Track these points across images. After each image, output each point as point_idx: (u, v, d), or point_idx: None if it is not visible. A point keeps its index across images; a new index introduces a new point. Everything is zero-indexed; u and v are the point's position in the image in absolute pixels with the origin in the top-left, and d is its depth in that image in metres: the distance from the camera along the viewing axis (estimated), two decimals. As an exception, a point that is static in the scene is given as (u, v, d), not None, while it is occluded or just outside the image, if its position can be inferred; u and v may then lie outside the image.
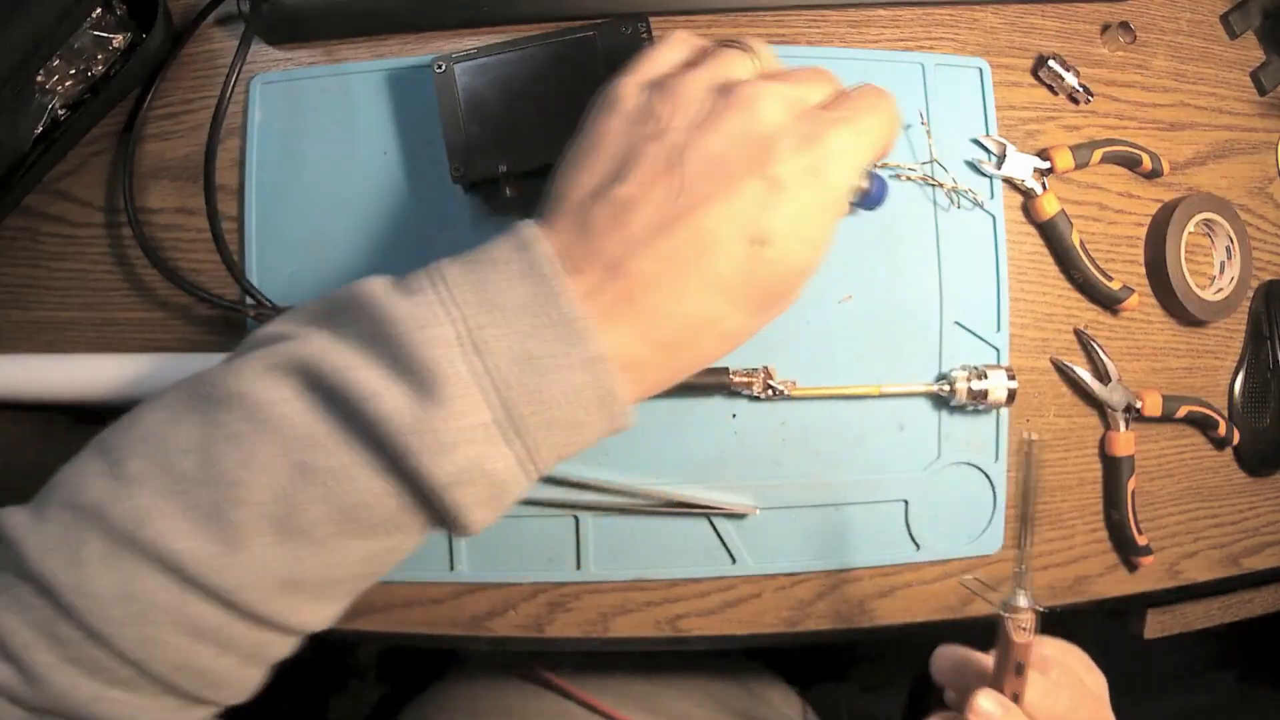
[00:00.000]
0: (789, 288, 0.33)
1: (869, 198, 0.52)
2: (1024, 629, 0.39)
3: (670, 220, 0.29)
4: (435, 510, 0.29)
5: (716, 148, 0.30)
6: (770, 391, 0.52)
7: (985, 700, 0.38)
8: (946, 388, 0.53)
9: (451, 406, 0.27)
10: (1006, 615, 0.39)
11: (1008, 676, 0.39)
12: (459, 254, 0.31)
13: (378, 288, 0.29)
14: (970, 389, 0.53)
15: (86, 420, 0.54)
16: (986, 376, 0.53)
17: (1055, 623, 0.59)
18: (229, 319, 0.54)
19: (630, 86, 0.33)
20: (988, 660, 0.41)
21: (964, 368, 0.54)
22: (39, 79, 0.51)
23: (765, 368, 0.52)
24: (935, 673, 0.42)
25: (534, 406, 0.28)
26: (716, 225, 0.29)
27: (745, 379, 0.52)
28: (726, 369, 0.52)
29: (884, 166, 0.53)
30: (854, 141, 0.32)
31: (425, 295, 0.28)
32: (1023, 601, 0.39)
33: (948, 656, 0.42)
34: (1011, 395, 0.53)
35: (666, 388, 0.32)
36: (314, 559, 0.28)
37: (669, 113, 0.31)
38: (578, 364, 0.28)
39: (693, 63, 0.34)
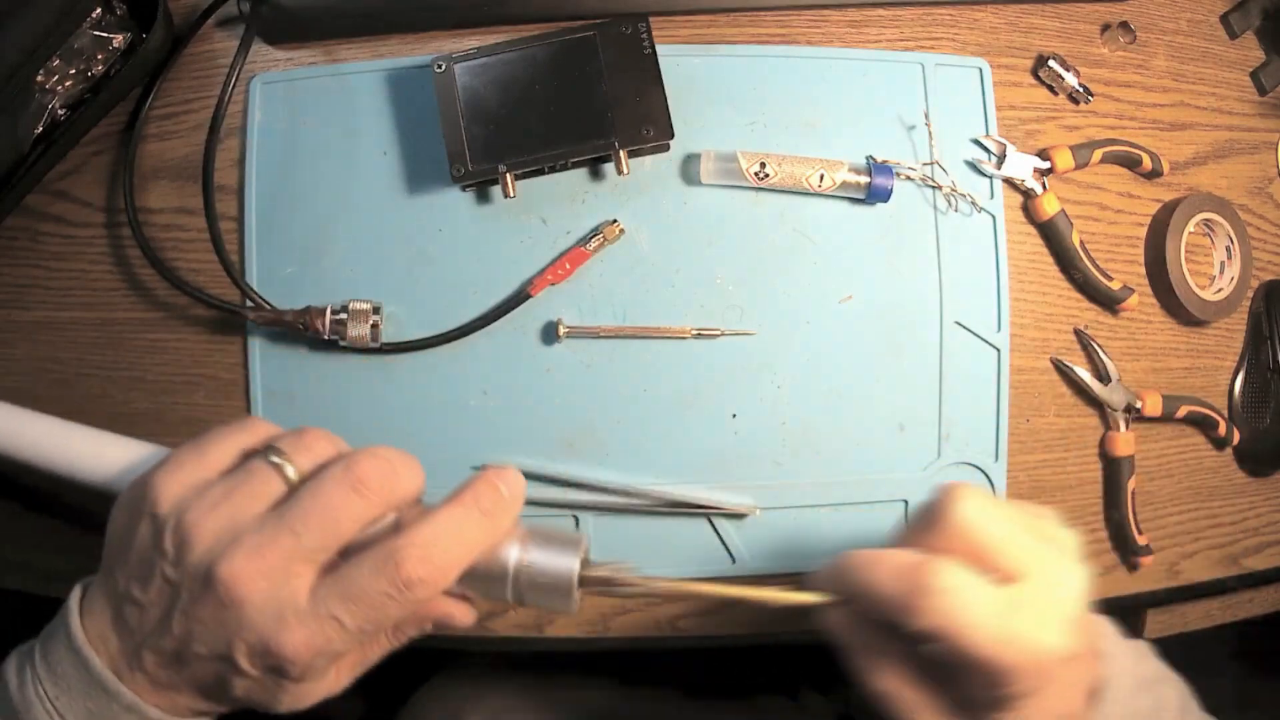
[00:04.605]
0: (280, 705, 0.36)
1: (877, 191, 0.53)
2: None
3: (168, 648, 0.34)
4: None
5: (190, 625, 0.33)
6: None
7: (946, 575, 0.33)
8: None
9: None
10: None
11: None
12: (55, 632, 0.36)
13: (11, 674, 0.35)
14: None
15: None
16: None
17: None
18: (229, 320, 0.54)
19: (163, 492, 0.35)
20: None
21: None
22: (39, 79, 0.51)
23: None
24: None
25: None
26: (197, 671, 0.34)
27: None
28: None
29: (885, 163, 0.53)
30: (325, 639, 0.33)
31: (26, 682, 0.35)
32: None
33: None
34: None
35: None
36: None
37: (171, 560, 0.34)
38: (120, 708, 0.34)
39: (225, 479, 0.35)
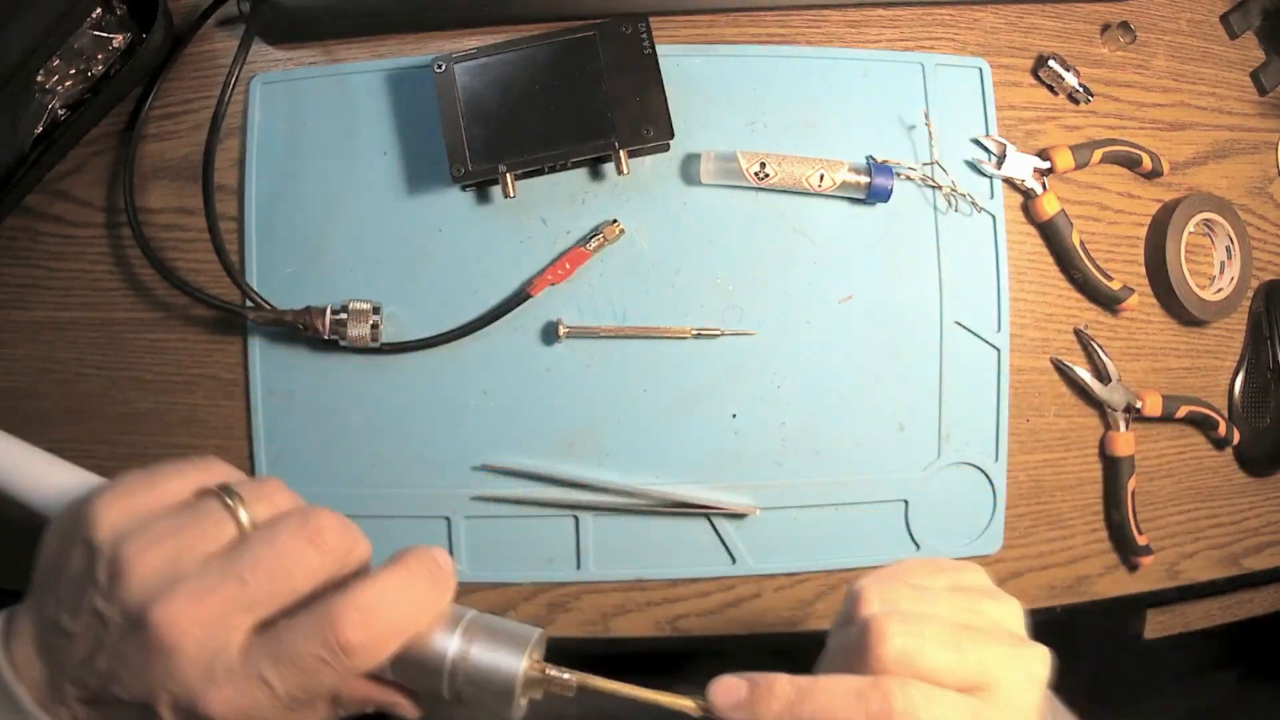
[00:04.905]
0: None
1: (877, 191, 0.53)
2: None
3: (104, 690, 0.31)
4: None
5: (115, 669, 0.31)
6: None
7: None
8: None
9: None
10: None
11: None
12: None
13: None
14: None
15: None
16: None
17: (1056, 623, 0.59)
18: (229, 320, 0.54)
19: (102, 525, 0.32)
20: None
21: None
22: (39, 79, 0.51)
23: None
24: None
25: None
26: (125, 711, 0.31)
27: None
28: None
29: (885, 163, 0.53)
30: (259, 700, 0.30)
31: None
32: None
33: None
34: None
35: None
36: None
37: (102, 596, 0.31)
38: None
39: (172, 515, 0.32)
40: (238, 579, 0.30)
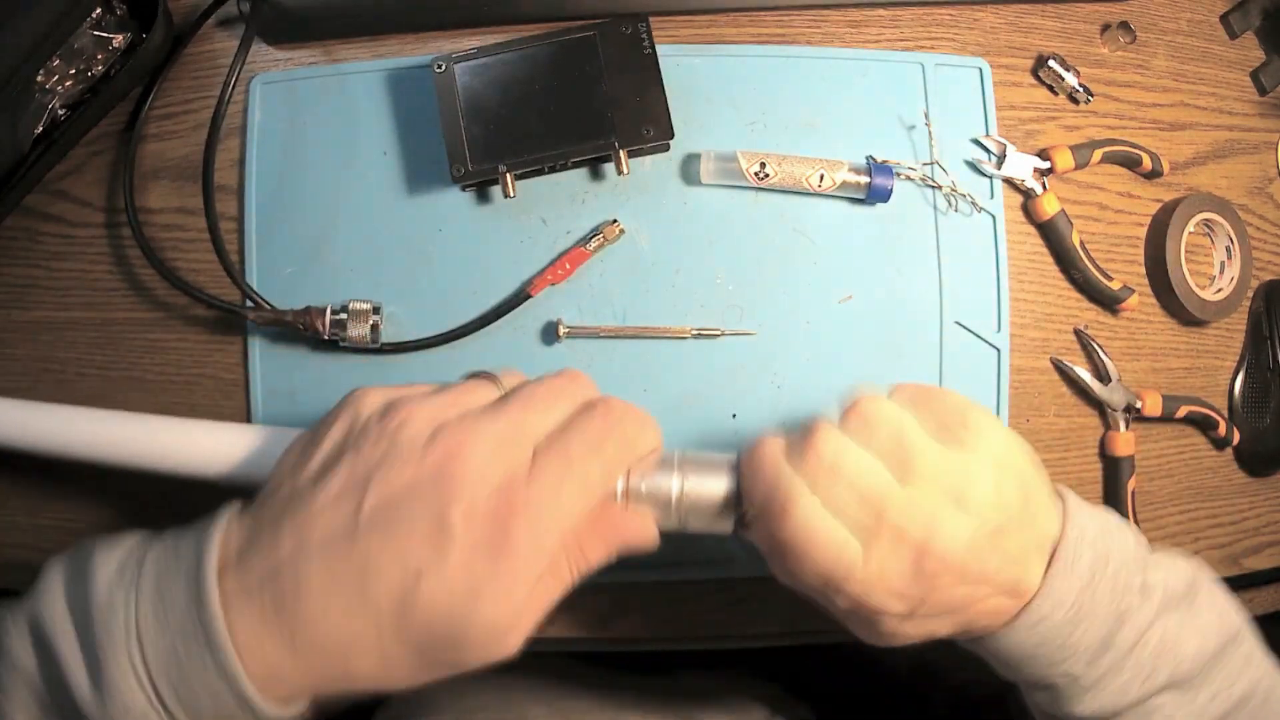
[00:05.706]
0: (451, 633, 0.33)
1: (877, 191, 0.53)
2: None
3: (340, 539, 0.32)
4: None
5: (399, 485, 0.32)
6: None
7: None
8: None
9: (113, 692, 0.30)
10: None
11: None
12: (186, 527, 0.34)
13: (99, 560, 0.32)
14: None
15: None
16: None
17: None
18: (229, 320, 0.54)
19: (373, 394, 0.36)
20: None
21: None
22: (39, 79, 0.51)
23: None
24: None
25: (180, 699, 0.31)
26: (380, 555, 0.32)
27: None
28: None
29: (885, 163, 0.53)
30: (553, 501, 0.34)
31: (124, 577, 0.32)
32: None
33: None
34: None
35: (324, 694, 0.34)
36: None
37: (377, 434, 0.34)
38: (214, 671, 0.30)
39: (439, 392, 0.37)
40: (513, 409, 0.35)
